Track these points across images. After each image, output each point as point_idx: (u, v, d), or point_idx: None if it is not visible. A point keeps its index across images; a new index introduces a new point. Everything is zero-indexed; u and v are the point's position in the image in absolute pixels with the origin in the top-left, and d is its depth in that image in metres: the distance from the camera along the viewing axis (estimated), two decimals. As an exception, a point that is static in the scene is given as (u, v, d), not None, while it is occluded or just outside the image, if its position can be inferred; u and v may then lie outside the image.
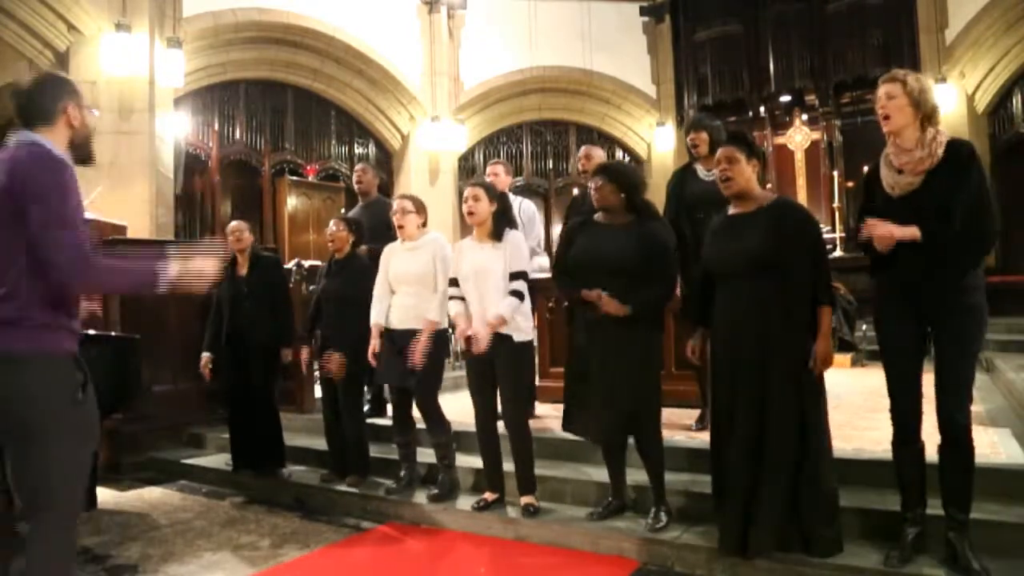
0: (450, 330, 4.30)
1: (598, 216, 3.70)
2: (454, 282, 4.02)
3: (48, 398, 2.10)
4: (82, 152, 2.34)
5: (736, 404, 3.13)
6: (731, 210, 3.29)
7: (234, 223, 5.04)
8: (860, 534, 3.21)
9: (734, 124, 10.17)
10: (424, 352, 4.01)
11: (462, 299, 3.98)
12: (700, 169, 4.42)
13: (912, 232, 2.78)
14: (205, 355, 4.98)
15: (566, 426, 3.72)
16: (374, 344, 4.25)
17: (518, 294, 3.81)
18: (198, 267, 2.29)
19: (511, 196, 4.73)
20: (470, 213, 3.94)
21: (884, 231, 2.84)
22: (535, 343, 4.03)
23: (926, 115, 2.87)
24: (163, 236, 7.57)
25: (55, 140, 2.23)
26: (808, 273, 3.06)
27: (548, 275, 5.05)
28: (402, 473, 4.40)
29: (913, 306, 2.90)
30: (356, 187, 5.91)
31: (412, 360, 4.00)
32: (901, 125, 2.88)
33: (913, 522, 3.00)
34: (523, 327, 3.89)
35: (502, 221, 3.95)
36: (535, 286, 4.44)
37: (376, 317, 4.28)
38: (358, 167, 6.01)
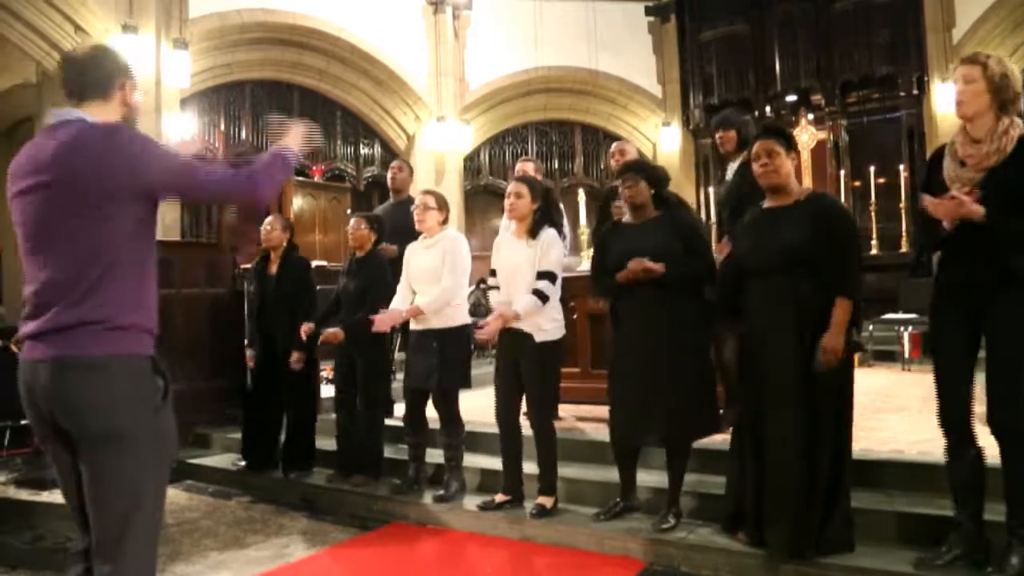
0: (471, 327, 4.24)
1: (627, 218, 3.69)
2: (493, 272, 4.03)
3: (130, 404, 1.86)
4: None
5: (764, 405, 3.06)
6: (766, 203, 3.23)
7: (267, 218, 5.01)
8: (867, 535, 3.19)
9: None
10: (381, 327, 4.04)
11: (498, 288, 3.99)
12: (729, 169, 4.39)
13: (977, 209, 2.54)
14: (249, 351, 5.00)
15: (629, 432, 3.59)
16: (382, 316, 4.13)
17: (541, 295, 3.74)
18: (297, 135, 2.20)
19: None
20: (511, 208, 3.90)
21: (951, 202, 2.57)
22: (562, 344, 3.96)
23: (1006, 102, 2.63)
24: (169, 236, 7.60)
25: (107, 117, 1.98)
26: (838, 271, 2.98)
27: (578, 274, 4.99)
28: (410, 473, 4.39)
29: (969, 307, 2.73)
30: (390, 183, 5.76)
31: (378, 323, 4.05)
32: (976, 112, 2.65)
33: (966, 530, 2.79)
34: (546, 327, 3.80)
35: (541, 220, 3.90)
36: (567, 287, 4.35)
37: (397, 304, 4.26)
38: (394, 163, 5.84)
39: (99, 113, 1.98)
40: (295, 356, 4.72)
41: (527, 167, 5.20)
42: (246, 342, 5.04)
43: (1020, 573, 2.63)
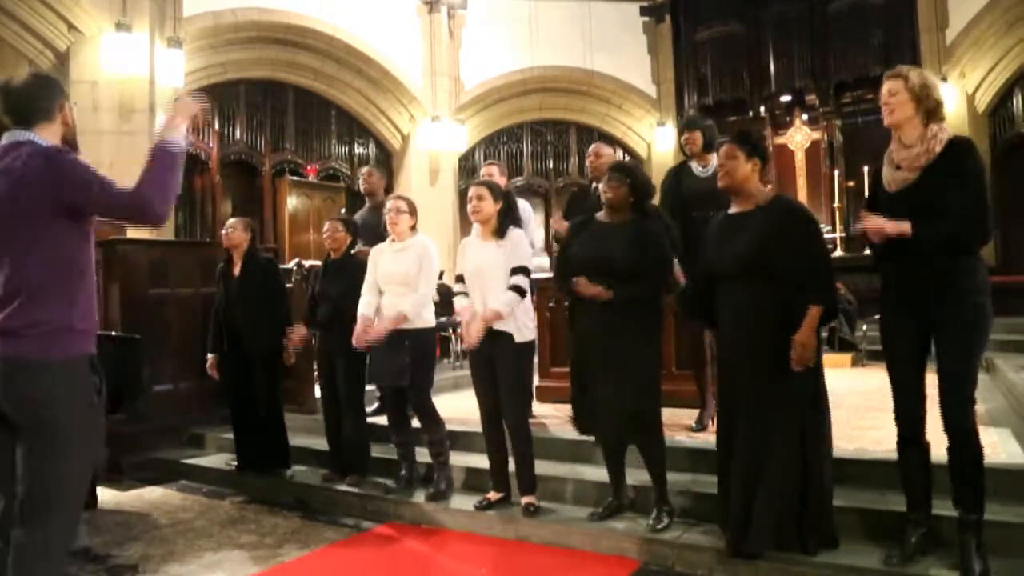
0: (450, 329, 4.33)
1: (601, 215, 3.71)
2: (460, 279, 4.06)
3: (69, 401, 2.12)
4: (72, 148, 2.38)
5: (738, 405, 3.13)
6: (731, 209, 3.29)
7: (230, 220, 5.03)
8: (861, 534, 3.21)
9: (734, 124, 10.17)
10: (375, 337, 4.09)
11: (467, 295, 4.00)
12: (695, 166, 4.49)
13: (902, 228, 2.78)
14: (210, 356, 4.99)
15: (576, 425, 3.73)
16: (359, 330, 4.22)
17: (518, 289, 3.82)
18: (184, 113, 2.34)
19: None
20: (475, 211, 3.96)
21: (873, 225, 2.85)
22: (536, 343, 4.04)
23: (929, 111, 2.87)
24: (163, 236, 7.56)
25: (51, 137, 2.24)
26: (805, 274, 3.03)
27: (547, 275, 5.07)
28: (402, 472, 4.41)
29: (915, 307, 2.89)
30: (362, 189, 5.89)
31: (356, 340, 4.13)
32: (901, 120, 2.89)
33: (917, 523, 2.99)
34: (525, 326, 3.91)
35: (506, 219, 3.98)
36: (534, 286, 4.45)
37: (364, 309, 4.29)
38: (364, 169, 6.00)
39: (45, 134, 2.23)
40: (300, 332, 4.77)
41: (492, 170, 5.25)
42: (208, 347, 5.01)
43: (980, 558, 2.79)
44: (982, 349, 2.91)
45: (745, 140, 3.27)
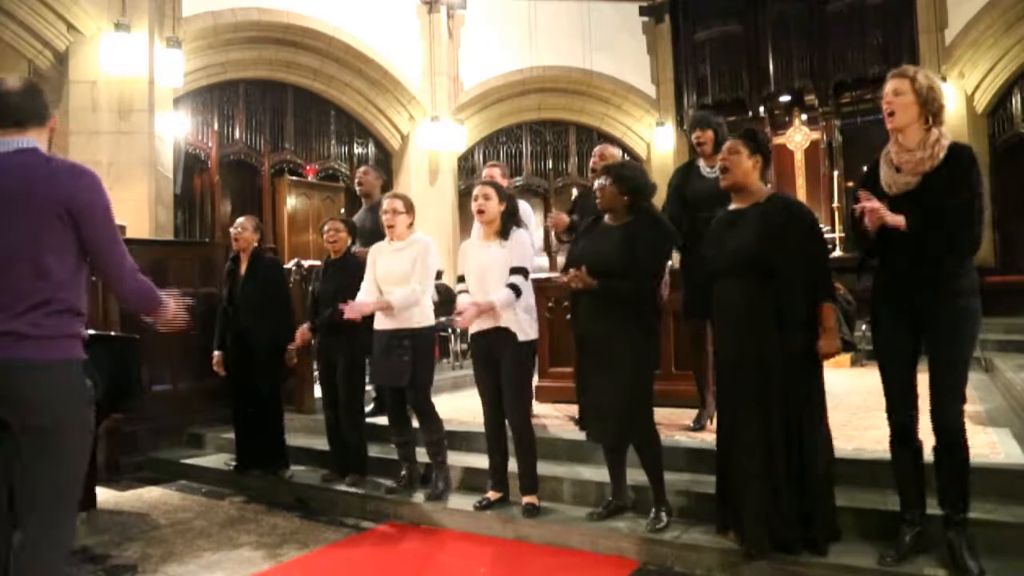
0: (450, 330, 4.33)
1: (607, 217, 3.72)
2: (461, 279, 4.07)
3: (69, 402, 2.16)
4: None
5: (737, 404, 3.14)
6: (731, 206, 3.29)
7: (239, 219, 5.03)
8: (860, 534, 3.21)
9: (734, 124, 10.16)
10: (354, 313, 4.09)
11: (468, 293, 4.01)
12: (703, 166, 4.43)
13: (898, 220, 2.75)
14: (216, 353, 5.00)
15: (580, 426, 3.75)
16: (349, 306, 4.20)
17: (515, 288, 3.82)
18: (174, 311, 2.44)
19: None
20: (480, 211, 3.96)
21: (873, 207, 2.79)
22: (537, 343, 4.06)
23: (932, 114, 2.83)
24: (163, 236, 7.57)
25: (42, 142, 2.24)
26: (801, 270, 3.03)
27: (546, 275, 5.06)
28: (402, 472, 4.41)
29: (906, 309, 2.90)
30: (357, 189, 5.89)
31: (347, 311, 4.10)
32: (905, 123, 2.85)
33: (911, 522, 3.00)
34: (527, 327, 3.90)
35: (509, 221, 3.98)
36: (534, 286, 4.44)
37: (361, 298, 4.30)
38: (360, 169, 5.98)
39: (38, 138, 2.22)
40: (289, 354, 4.84)
41: (494, 172, 5.24)
42: (215, 345, 5.03)
43: (968, 557, 2.80)
44: (972, 350, 2.91)
45: (750, 137, 3.27)
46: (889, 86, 2.87)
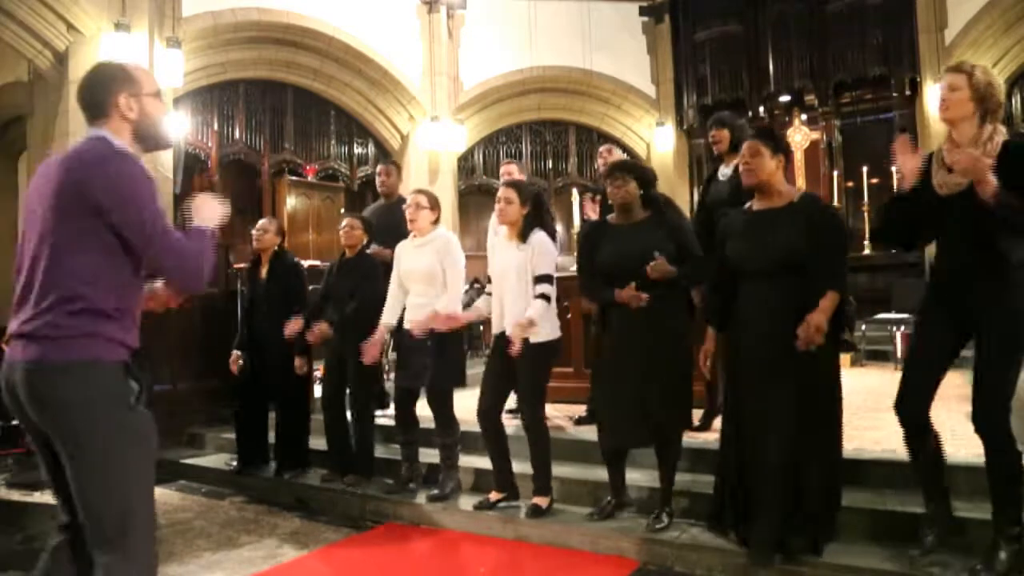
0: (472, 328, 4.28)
1: (611, 217, 3.70)
2: (490, 279, 4.07)
3: (88, 405, 1.92)
4: (149, 142, 2.16)
5: (764, 406, 3.06)
6: (755, 206, 3.24)
7: (261, 221, 5.01)
8: (859, 534, 3.21)
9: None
10: (425, 330, 3.98)
11: (490, 295, 4.03)
12: (721, 170, 4.41)
13: (991, 179, 2.52)
14: (235, 352, 4.96)
15: (600, 434, 3.64)
16: (375, 341, 4.19)
17: (545, 297, 3.76)
18: (210, 213, 2.19)
19: None
20: (501, 214, 3.93)
21: (914, 164, 2.70)
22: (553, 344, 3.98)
23: (989, 111, 2.72)
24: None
25: (116, 133, 2.06)
26: (821, 264, 3.01)
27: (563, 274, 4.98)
28: (403, 472, 4.39)
29: (958, 310, 2.79)
30: (380, 188, 5.76)
31: (414, 332, 4.01)
32: (958, 117, 2.74)
33: (934, 519, 2.89)
34: (543, 328, 3.80)
35: (531, 223, 3.91)
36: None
37: (387, 317, 4.26)
38: (381, 167, 5.81)
39: (108, 129, 2.07)
40: (298, 362, 4.75)
41: (511, 168, 5.21)
42: (235, 344, 5.01)
43: (1008, 570, 2.67)
44: (1023, 359, 2.78)
45: (769, 136, 3.25)
46: (946, 81, 2.76)
